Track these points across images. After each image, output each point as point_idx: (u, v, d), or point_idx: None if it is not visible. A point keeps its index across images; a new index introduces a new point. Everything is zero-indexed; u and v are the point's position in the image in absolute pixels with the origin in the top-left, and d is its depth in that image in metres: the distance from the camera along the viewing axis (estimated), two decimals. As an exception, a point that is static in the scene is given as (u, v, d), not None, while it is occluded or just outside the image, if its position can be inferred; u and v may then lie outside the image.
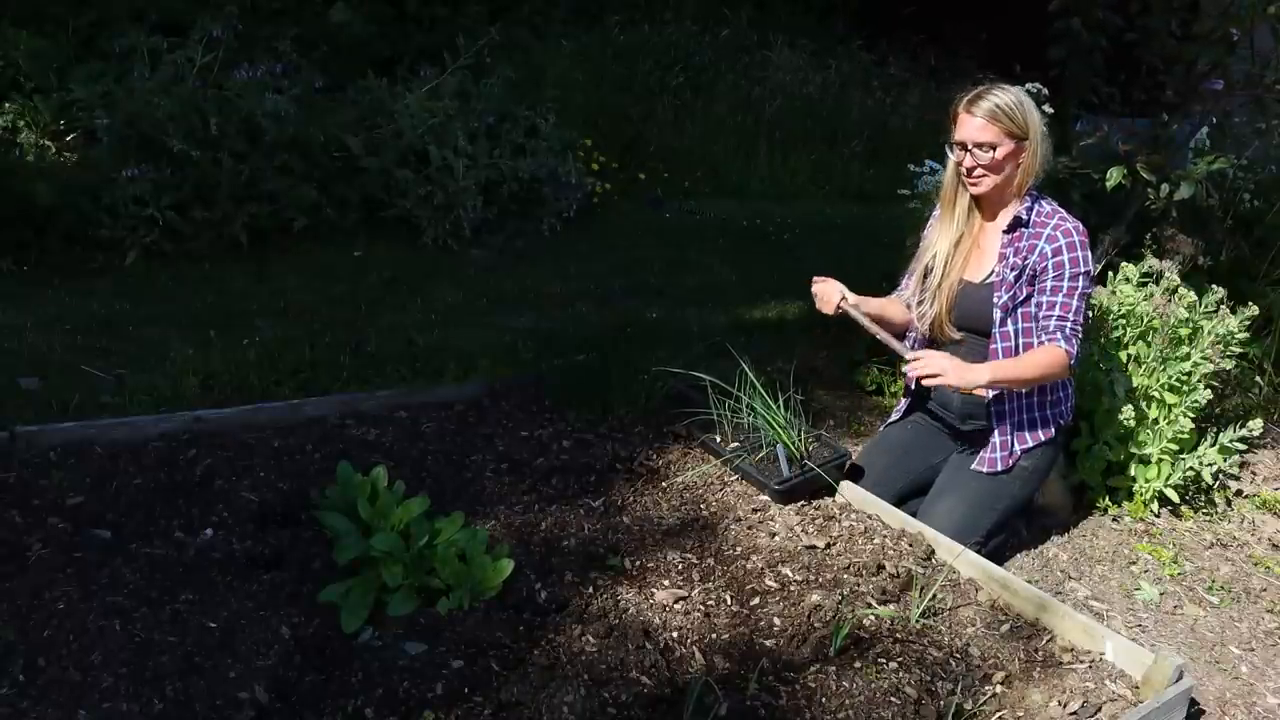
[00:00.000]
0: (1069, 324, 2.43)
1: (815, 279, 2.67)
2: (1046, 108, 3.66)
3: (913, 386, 2.80)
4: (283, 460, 2.65)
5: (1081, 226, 2.47)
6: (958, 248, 2.58)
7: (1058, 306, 2.43)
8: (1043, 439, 2.57)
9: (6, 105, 5.05)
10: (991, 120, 2.40)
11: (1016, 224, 2.49)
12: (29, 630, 1.94)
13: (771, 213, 5.99)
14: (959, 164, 2.48)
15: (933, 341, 2.69)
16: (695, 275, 4.88)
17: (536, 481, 2.64)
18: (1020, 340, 2.50)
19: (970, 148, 2.43)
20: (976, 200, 2.56)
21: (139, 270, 4.18)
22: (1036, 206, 2.50)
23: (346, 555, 2.17)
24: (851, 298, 2.58)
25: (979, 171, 2.45)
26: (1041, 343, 2.45)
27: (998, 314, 2.49)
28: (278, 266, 4.40)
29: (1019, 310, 2.48)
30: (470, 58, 5.36)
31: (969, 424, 2.63)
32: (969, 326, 2.58)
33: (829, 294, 2.60)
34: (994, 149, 2.41)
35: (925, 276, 2.62)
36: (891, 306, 2.72)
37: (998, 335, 2.50)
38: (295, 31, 5.75)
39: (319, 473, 2.59)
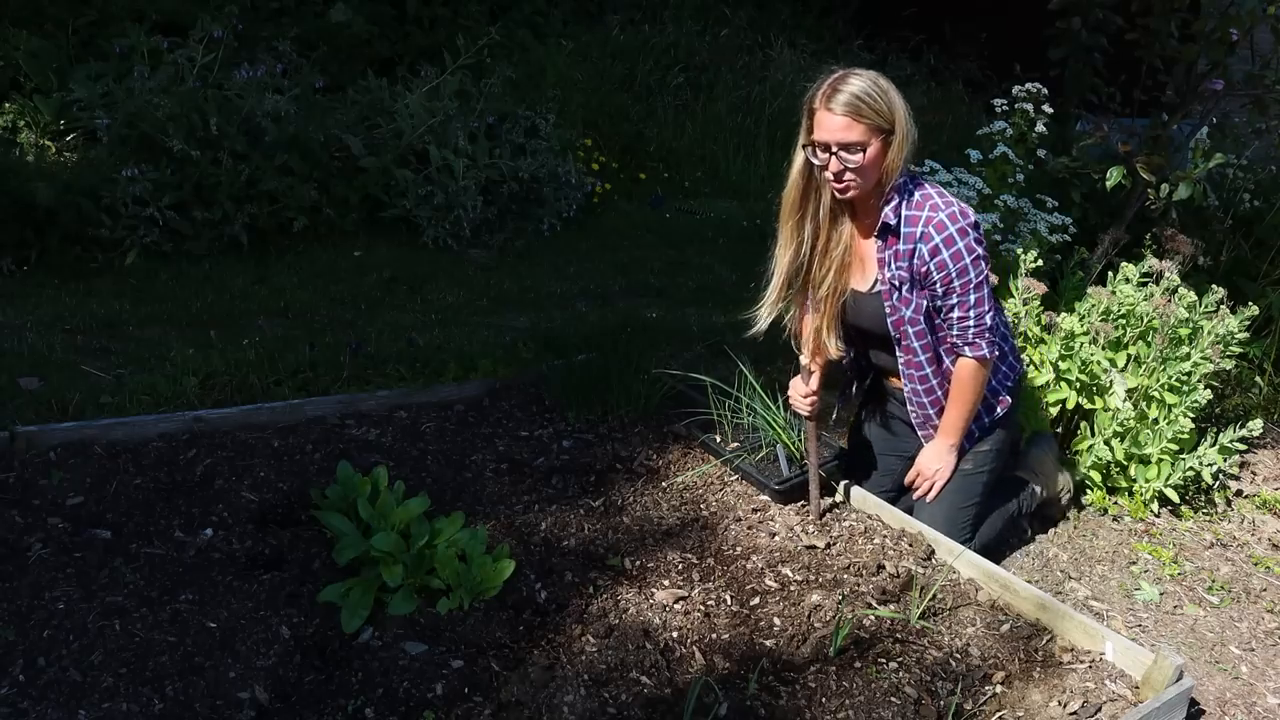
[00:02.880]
0: (970, 326, 2.29)
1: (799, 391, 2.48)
2: (1046, 107, 3.67)
3: (853, 392, 2.76)
4: (283, 460, 2.66)
5: (957, 209, 2.21)
6: (826, 254, 2.34)
7: (954, 310, 2.28)
8: (998, 412, 2.53)
9: (6, 105, 5.04)
10: (856, 117, 2.10)
11: (885, 231, 2.26)
12: (29, 630, 1.94)
13: (771, 213, 5.98)
14: (824, 168, 2.19)
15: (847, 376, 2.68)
16: (695, 275, 4.88)
17: (536, 481, 2.65)
18: (940, 348, 2.39)
19: (835, 150, 2.13)
20: (843, 205, 2.31)
21: (139, 270, 4.18)
22: (904, 202, 2.23)
23: (346, 555, 2.17)
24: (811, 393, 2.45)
25: (848, 176, 2.16)
26: (960, 355, 2.34)
27: (905, 329, 2.35)
28: (278, 266, 4.39)
29: (926, 318, 2.34)
30: (470, 58, 5.35)
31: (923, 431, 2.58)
32: (869, 331, 2.47)
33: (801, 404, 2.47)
34: (864, 149, 2.13)
35: (789, 290, 2.41)
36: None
37: (917, 349, 2.37)
38: (295, 31, 5.75)
39: (319, 473, 2.59)
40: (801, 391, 2.48)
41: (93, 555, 2.18)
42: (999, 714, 1.89)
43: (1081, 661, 2.05)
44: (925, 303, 2.31)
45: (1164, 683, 1.93)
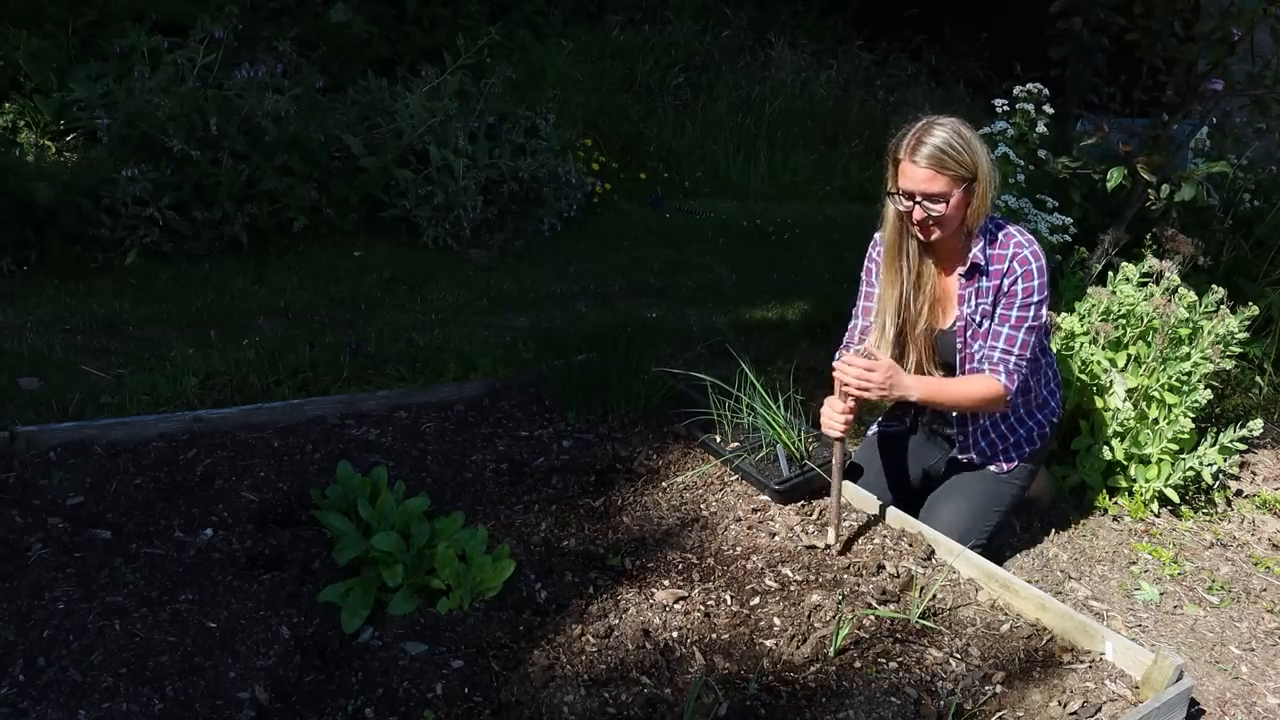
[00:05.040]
0: (1012, 358, 2.31)
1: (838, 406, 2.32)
2: (1047, 107, 3.67)
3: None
4: (283, 460, 2.66)
5: (1036, 250, 2.30)
6: (919, 291, 2.41)
7: (1003, 338, 2.32)
8: (1038, 444, 2.58)
9: (6, 105, 5.05)
10: (940, 169, 2.16)
11: (973, 270, 2.33)
12: (29, 630, 1.94)
13: (771, 213, 5.99)
14: (907, 214, 2.25)
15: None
16: (695, 275, 4.88)
17: (536, 481, 2.65)
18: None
19: (919, 200, 2.20)
20: (928, 246, 2.37)
21: (139, 270, 4.18)
22: (988, 243, 2.32)
23: (346, 555, 2.17)
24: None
25: (930, 223, 2.23)
26: (994, 373, 2.32)
27: (966, 355, 2.41)
28: (278, 266, 4.40)
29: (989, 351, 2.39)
30: (470, 58, 5.35)
31: (964, 455, 2.59)
32: (944, 362, 2.51)
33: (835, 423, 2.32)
34: (946, 200, 2.19)
35: (897, 333, 2.43)
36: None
37: (970, 372, 2.41)
38: (295, 31, 5.76)
39: (319, 473, 2.59)
40: (839, 409, 2.30)
41: (93, 555, 2.18)
42: (999, 714, 1.89)
43: (1081, 661, 2.05)
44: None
45: (1164, 683, 1.93)
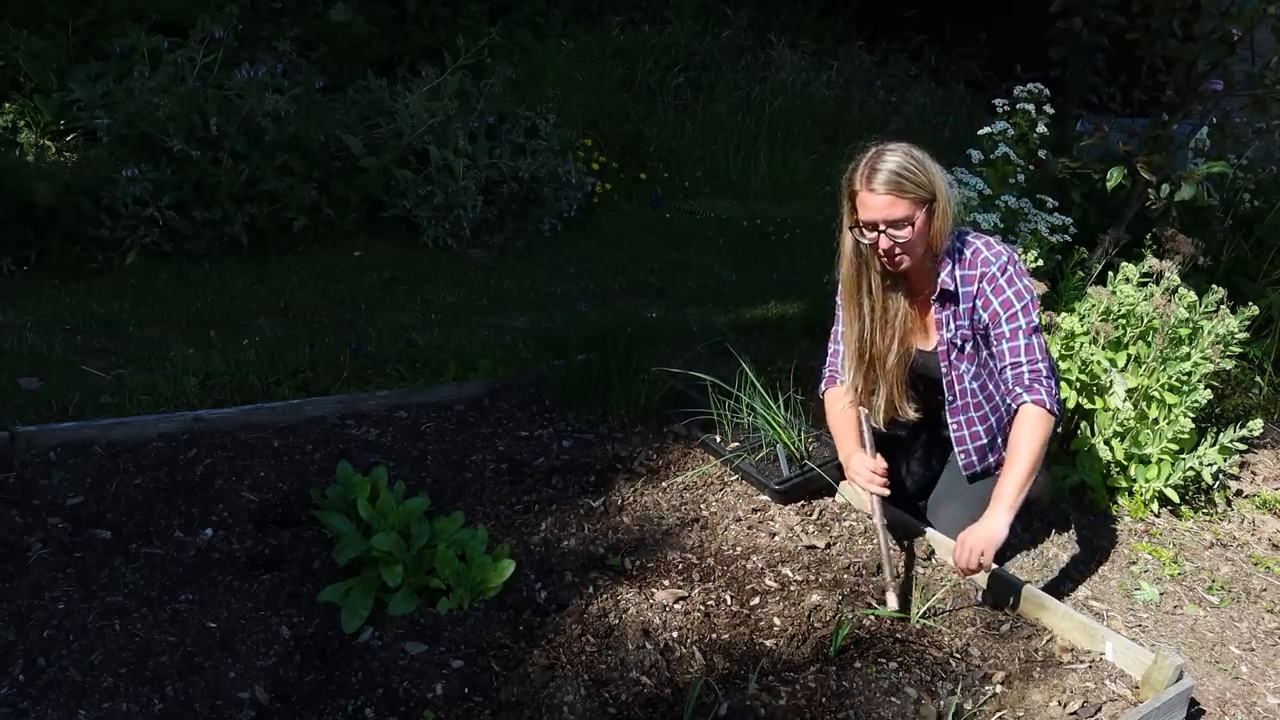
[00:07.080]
0: (1025, 368, 2.22)
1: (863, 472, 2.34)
2: (1047, 107, 3.67)
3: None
4: (283, 460, 2.66)
5: (1004, 262, 2.24)
6: (887, 324, 2.36)
7: (1006, 354, 2.25)
8: None
9: (6, 105, 5.05)
10: (899, 193, 2.11)
11: (945, 296, 2.29)
12: (29, 630, 1.94)
13: (771, 213, 5.99)
14: (873, 247, 2.20)
15: (893, 422, 2.50)
16: (695, 275, 4.88)
17: (536, 481, 2.65)
18: (980, 396, 2.39)
19: (884, 229, 2.15)
20: (897, 276, 2.31)
21: (139, 270, 4.18)
22: (956, 264, 2.27)
23: (346, 555, 2.17)
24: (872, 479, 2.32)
25: (897, 251, 2.17)
26: (1019, 401, 2.22)
27: (965, 386, 2.37)
28: (278, 266, 4.40)
29: (978, 368, 2.36)
30: (470, 58, 5.36)
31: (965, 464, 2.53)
32: (929, 379, 2.46)
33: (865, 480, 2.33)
34: (911, 224, 2.14)
35: (866, 368, 2.42)
36: (853, 413, 2.46)
37: (970, 405, 2.39)
38: (295, 31, 5.76)
39: (319, 473, 2.60)
40: (871, 468, 2.31)
41: (93, 555, 2.18)
42: (999, 714, 1.89)
43: (1081, 661, 2.05)
44: (983, 359, 2.33)
45: (1164, 683, 1.93)
